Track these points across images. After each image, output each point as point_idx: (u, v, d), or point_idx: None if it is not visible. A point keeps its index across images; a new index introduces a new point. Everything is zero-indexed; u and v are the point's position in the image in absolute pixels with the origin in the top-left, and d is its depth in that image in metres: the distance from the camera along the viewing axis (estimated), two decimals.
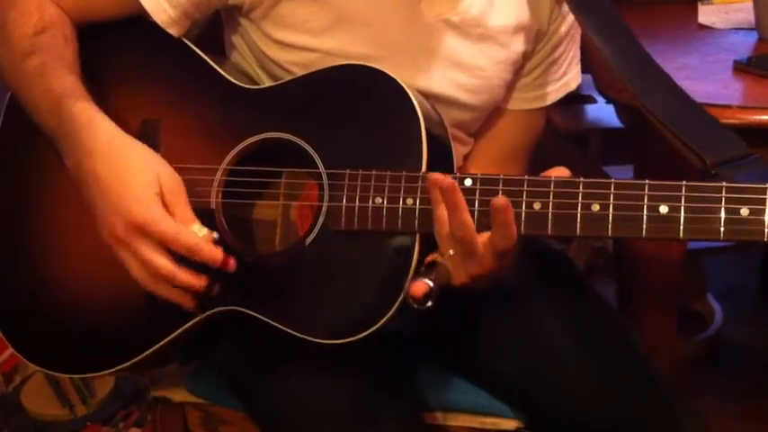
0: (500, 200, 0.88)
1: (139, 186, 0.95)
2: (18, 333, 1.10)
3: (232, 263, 0.96)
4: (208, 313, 1.02)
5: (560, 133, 1.85)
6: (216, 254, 0.95)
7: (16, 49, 1.04)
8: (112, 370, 1.08)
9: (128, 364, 1.06)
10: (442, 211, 0.91)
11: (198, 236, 0.94)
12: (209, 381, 1.21)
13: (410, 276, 0.94)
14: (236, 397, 1.14)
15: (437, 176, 0.90)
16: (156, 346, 1.04)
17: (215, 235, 0.97)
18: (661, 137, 0.98)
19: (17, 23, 1.05)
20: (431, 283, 0.89)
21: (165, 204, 0.95)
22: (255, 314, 1.00)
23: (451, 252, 0.92)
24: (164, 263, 0.94)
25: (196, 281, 0.96)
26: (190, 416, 1.25)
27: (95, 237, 0.99)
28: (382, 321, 0.95)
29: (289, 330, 0.99)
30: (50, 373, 1.15)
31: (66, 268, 1.10)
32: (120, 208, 0.94)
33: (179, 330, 1.03)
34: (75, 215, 1.07)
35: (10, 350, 1.10)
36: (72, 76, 1.02)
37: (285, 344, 0.99)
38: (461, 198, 0.90)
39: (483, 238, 0.91)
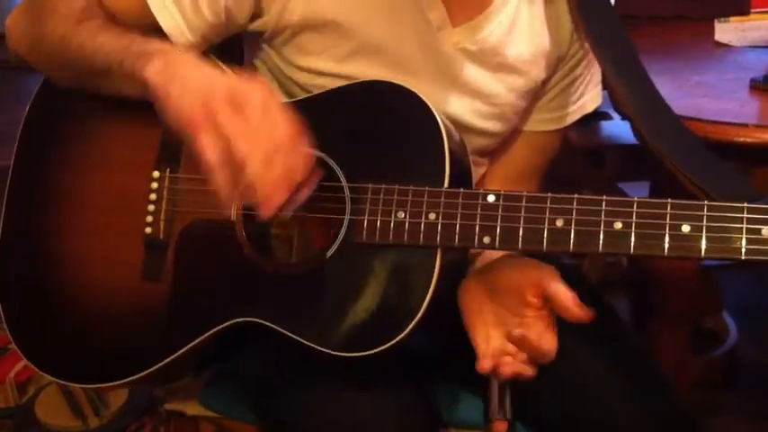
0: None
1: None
2: (32, 344, 1.09)
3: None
4: (225, 324, 1.02)
5: (576, 149, 1.84)
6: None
7: (70, 18, 1.00)
8: (126, 380, 1.07)
9: (142, 374, 1.05)
10: None
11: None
12: (224, 394, 1.21)
13: (431, 292, 0.94)
14: (251, 409, 1.14)
15: None
16: (172, 357, 1.03)
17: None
18: (674, 177, 0.99)
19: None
20: (509, 417, 1.00)
21: None
22: (272, 325, 1.00)
23: None
24: (242, 145, 0.86)
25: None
26: (203, 429, 1.25)
27: (112, 244, 0.99)
28: (401, 336, 0.95)
29: (303, 341, 0.98)
30: (63, 383, 1.14)
31: (82, 278, 1.09)
32: (209, 80, 0.90)
33: (195, 341, 1.03)
34: (92, 224, 1.07)
35: (24, 361, 1.10)
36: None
37: (302, 357, 0.99)
38: None
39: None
